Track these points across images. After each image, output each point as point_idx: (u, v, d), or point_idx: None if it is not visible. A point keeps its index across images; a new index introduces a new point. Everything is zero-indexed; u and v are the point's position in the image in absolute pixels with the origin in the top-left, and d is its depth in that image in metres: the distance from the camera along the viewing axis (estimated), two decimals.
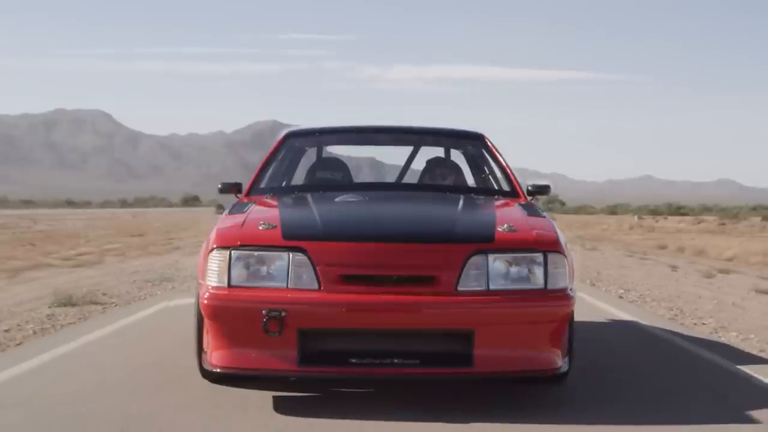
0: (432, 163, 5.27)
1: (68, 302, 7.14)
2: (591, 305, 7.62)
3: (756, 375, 4.59)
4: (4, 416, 3.54)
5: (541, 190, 4.82)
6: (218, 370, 3.55)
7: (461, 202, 4.25)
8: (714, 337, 6.09)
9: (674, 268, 13.39)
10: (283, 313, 3.37)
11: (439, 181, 5.06)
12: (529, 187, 4.82)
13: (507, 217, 3.91)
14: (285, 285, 3.45)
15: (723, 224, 39.45)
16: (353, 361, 3.47)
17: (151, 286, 9.13)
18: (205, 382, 3.87)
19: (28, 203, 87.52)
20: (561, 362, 3.61)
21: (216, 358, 3.54)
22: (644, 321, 6.74)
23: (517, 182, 4.81)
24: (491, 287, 3.48)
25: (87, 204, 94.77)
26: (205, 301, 3.50)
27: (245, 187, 4.75)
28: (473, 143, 5.30)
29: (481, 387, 4.01)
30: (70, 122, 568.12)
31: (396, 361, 3.47)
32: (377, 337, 3.48)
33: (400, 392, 3.90)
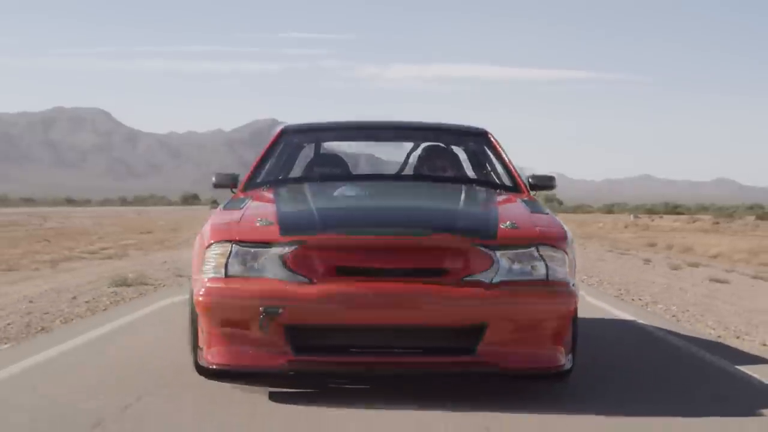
0: (429, 151, 5.18)
1: (124, 283, 8.43)
2: None
3: (650, 327, 6.18)
4: (146, 330, 5.64)
5: (545, 182, 4.72)
6: (214, 367, 3.45)
7: (463, 195, 4.22)
8: (641, 310, 7.44)
9: (647, 261, 14.30)
10: (280, 309, 3.32)
11: (437, 170, 4.97)
12: (530, 179, 4.72)
13: (509, 212, 3.84)
14: (282, 280, 3.38)
15: (717, 223, 39.65)
16: (353, 350, 3.43)
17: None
18: None
19: (28, 201, 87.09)
20: (564, 360, 3.55)
21: (212, 354, 3.46)
22: (590, 297, 7.89)
23: (521, 179, 4.75)
24: (495, 282, 3.41)
25: (87, 202, 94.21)
26: (201, 297, 3.42)
27: (241, 181, 4.70)
28: (477, 140, 5.23)
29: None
30: (69, 120, 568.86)
31: (397, 351, 3.44)
32: (379, 332, 3.43)
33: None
